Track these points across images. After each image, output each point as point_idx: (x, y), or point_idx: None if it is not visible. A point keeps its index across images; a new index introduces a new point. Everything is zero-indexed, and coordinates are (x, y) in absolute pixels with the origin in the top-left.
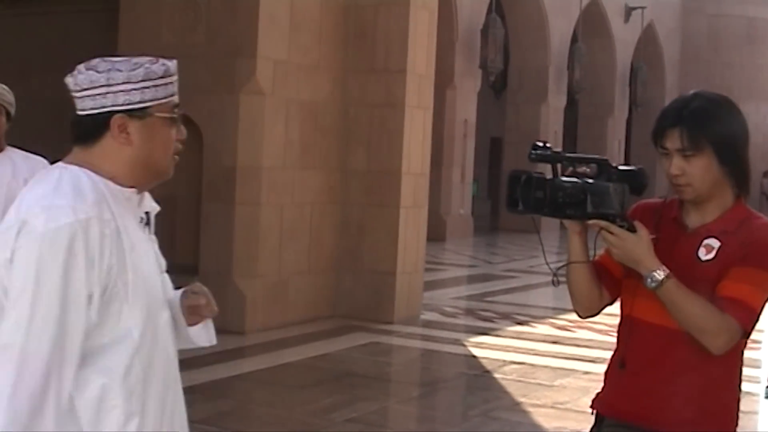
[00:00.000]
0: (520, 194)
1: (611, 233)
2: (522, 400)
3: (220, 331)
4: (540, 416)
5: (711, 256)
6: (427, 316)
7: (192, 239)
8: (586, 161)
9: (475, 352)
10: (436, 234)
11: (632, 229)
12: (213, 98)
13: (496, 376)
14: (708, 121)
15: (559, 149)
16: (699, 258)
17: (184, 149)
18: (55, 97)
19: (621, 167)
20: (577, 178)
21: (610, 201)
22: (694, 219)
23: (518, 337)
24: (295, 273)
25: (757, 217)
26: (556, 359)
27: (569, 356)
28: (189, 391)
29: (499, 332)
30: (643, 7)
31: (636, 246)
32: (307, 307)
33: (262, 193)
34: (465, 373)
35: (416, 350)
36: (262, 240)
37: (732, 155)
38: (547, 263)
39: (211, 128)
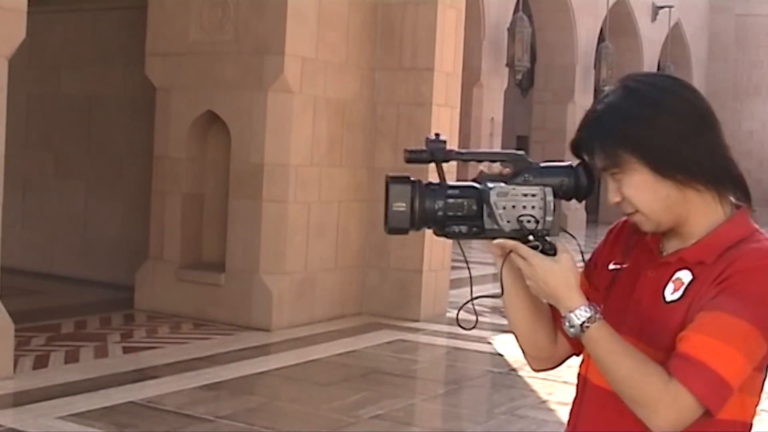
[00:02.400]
0: (399, 207)
1: (521, 257)
2: (547, 398)
3: (247, 327)
4: (566, 414)
5: (678, 294)
6: (453, 314)
7: (219, 236)
8: (492, 157)
9: (501, 349)
10: None
11: (552, 251)
12: (241, 96)
13: (522, 374)
14: (620, 123)
15: (452, 147)
16: (664, 297)
17: (212, 147)
18: (83, 94)
19: (544, 164)
20: (491, 181)
21: (514, 212)
22: (673, 242)
23: None
24: (322, 270)
25: (756, 239)
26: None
27: None
28: (215, 388)
29: None
30: (670, 6)
31: (550, 275)
32: (333, 304)
33: (289, 191)
34: (491, 370)
35: (442, 348)
36: (289, 237)
37: (671, 159)
38: (471, 298)
39: (239, 126)
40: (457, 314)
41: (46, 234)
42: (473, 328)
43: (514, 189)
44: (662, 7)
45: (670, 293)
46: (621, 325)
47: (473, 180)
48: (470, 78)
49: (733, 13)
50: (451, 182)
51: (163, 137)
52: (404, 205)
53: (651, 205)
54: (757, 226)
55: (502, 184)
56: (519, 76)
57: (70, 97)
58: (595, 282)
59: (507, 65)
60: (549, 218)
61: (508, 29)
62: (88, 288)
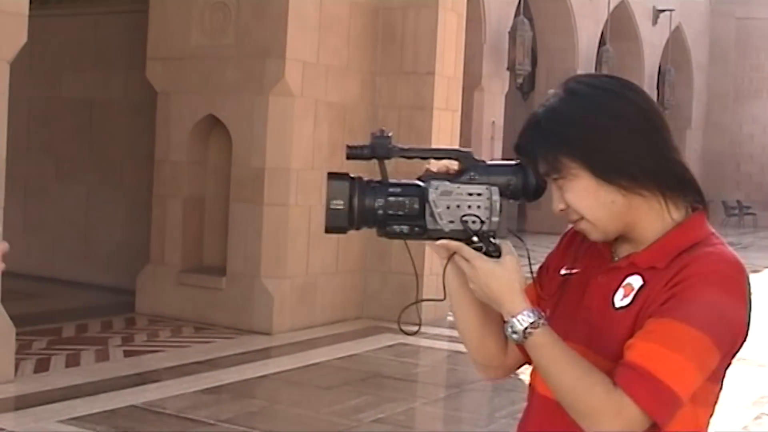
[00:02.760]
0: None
1: (464, 259)
2: None
3: (248, 331)
4: None
5: (628, 300)
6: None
7: (220, 240)
8: (437, 155)
9: None
10: None
11: (496, 253)
12: (242, 99)
13: (523, 377)
14: (559, 127)
15: (395, 144)
16: (613, 303)
17: (213, 151)
18: (84, 98)
19: (491, 162)
20: (436, 179)
21: (458, 212)
22: (625, 247)
23: None
24: (323, 274)
25: (710, 243)
26: None
27: None
28: (216, 391)
29: None
30: (671, 10)
31: (493, 278)
32: (334, 308)
33: (290, 194)
34: None
35: (443, 351)
36: (290, 241)
37: (613, 164)
38: (417, 300)
39: (240, 129)
40: (399, 318)
41: (48, 238)
42: (416, 333)
43: (458, 188)
44: (663, 11)
45: (620, 299)
46: (569, 332)
47: (418, 178)
48: (471, 82)
49: (733, 17)
50: (393, 180)
51: (164, 141)
52: (342, 202)
53: (596, 212)
54: (713, 230)
55: (447, 183)
56: (520, 80)
57: (71, 100)
58: (546, 288)
59: (508, 69)
60: (495, 219)
61: (509, 33)
62: (89, 291)
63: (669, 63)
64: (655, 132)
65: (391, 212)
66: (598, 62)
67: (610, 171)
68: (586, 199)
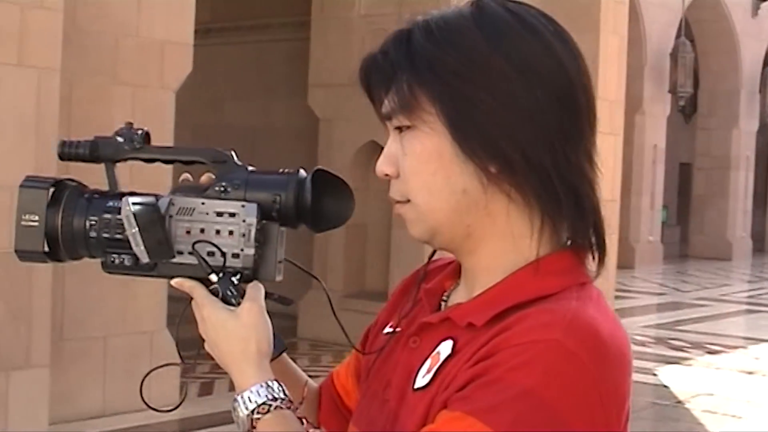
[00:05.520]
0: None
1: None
2: None
3: None
4: None
5: (428, 378)
6: None
7: (382, 265)
8: (184, 156)
9: (667, 381)
10: (625, 261)
11: (235, 301)
12: None
13: (689, 406)
14: (433, 46)
15: (133, 141)
16: (415, 381)
17: (375, 176)
18: (247, 125)
19: (253, 169)
20: (182, 192)
21: (202, 237)
22: (460, 292)
23: (710, 367)
24: None
25: (566, 296)
26: (751, 391)
27: (765, 388)
28: None
29: (690, 361)
30: None
31: (222, 334)
32: None
33: None
34: (656, 403)
35: None
36: None
37: (489, 134)
38: None
39: None
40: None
41: None
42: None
43: (203, 204)
44: None
45: (423, 375)
46: (368, 419)
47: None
48: (632, 105)
49: None
50: (125, 190)
51: (326, 167)
52: (37, 218)
53: (432, 196)
54: (584, 280)
55: (187, 198)
56: (682, 102)
57: (234, 128)
58: (365, 353)
59: (669, 91)
60: (248, 251)
61: (671, 54)
62: None
63: None
64: (572, 116)
65: (106, 235)
66: (763, 83)
67: (478, 140)
68: (427, 169)
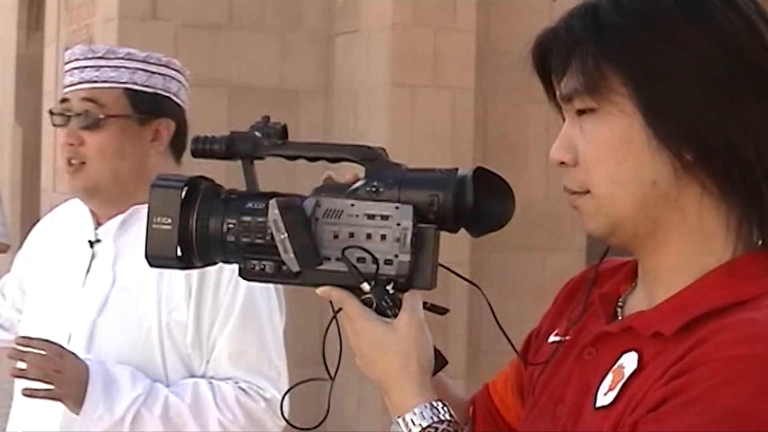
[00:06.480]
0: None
1: (348, 317)
2: None
3: None
4: None
5: (612, 396)
6: None
7: None
8: (333, 153)
9: None
10: None
11: (392, 312)
12: None
13: None
14: (625, 21)
15: (273, 137)
16: (595, 400)
17: None
18: None
19: (409, 168)
20: (330, 192)
21: (351, 243)
22: (638, 297)
23: None
24: None
25: (761, 305)
26: None
27: None
28: None
29: None
30: None
31: (379, 349)
32: None
33: None
34: None
35: None
36: None
37: (684, 110)
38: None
39: None
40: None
41: None
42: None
43: (353, 206)
44: None
45: (604, 393)
46: None
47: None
48: None
49: None
50: (263, 191)
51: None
52: (170, 221)
53: (618, 186)
54: None
55: (335, 199)
56: None
57: None
58: (534, 362)
59: None
60: (403, 257)
61: None
62: None
63: None
64: (757, 93)
65: (246, 239)
66: None
67: (675, 124)
68: (614, 156)
